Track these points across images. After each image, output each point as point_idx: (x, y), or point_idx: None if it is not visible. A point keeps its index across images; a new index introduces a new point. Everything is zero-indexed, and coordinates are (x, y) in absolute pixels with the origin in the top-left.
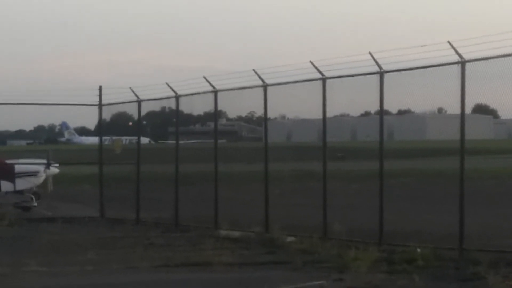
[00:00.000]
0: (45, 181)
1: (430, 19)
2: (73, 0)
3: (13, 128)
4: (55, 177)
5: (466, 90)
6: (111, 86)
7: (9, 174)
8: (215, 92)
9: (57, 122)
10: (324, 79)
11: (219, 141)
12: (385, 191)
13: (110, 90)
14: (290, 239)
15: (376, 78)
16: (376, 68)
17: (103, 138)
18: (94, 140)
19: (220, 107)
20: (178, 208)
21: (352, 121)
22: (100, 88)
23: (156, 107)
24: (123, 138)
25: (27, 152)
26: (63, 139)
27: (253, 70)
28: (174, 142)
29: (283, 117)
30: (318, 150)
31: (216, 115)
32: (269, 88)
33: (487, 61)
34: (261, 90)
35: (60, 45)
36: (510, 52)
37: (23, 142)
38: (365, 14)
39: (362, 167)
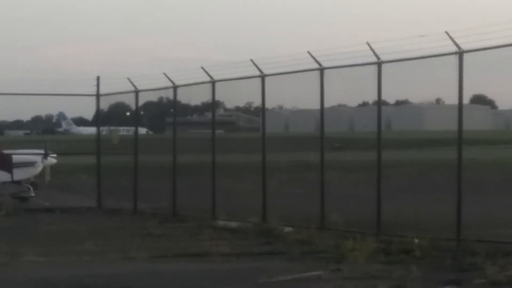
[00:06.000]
0: (43, 171)
1: (428, 9)
2: None
3: (10, 118)
4: (52, 167)
5: (464, 80)
6: (109, 77)
7: (6, 164)
8: (213, 82)
9: (54, 112)
10: (322, 70)
11: (217, 131)
12: (383, 182)
13: (108, 80)
14: (287, 229)
15: (374, 68)
16: (374, 59)
17: (101, 128)
18: (91, 130)
19: (217, 97)
20: (176, 198)
21: (350, 112)
22: (98, 78)
23: (153, 97)
24: (121, 128)
25: (24, 143)
26: (60, 129)
27: (251, 60)
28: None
29: (281, 107)
30: (316, 141)
31: (213, 105)
32: (266, 78)
33: (484, 51)
34: (258, 80)
35: (58, 35)
36: (508, 43)
37: (20, 133)
38: (363, 4)
39: (360, 157)
